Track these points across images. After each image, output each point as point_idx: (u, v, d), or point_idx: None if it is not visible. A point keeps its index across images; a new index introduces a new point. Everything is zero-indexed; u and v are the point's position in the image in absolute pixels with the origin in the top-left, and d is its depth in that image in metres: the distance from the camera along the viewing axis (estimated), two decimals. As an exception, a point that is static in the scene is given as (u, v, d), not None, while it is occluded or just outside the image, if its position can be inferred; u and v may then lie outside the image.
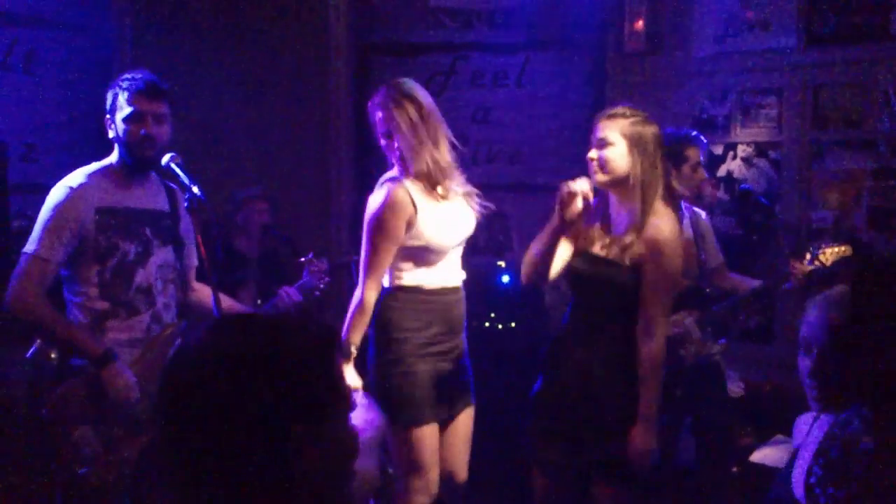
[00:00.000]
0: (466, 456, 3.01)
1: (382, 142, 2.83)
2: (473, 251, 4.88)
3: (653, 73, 4.89)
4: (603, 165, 2.66)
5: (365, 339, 2.85)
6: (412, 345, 2.77)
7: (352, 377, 2.75)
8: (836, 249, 3.60)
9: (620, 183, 2.66)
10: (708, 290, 3.75)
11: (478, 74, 5.30)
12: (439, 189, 2.83)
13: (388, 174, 2.88)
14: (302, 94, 5.26)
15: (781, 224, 4.26)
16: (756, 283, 3.81)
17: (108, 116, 2.76)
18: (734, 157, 4.75)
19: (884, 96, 4.31)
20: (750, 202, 3.81)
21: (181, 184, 2.68)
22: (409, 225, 2.75)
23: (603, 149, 2.66)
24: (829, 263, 3.62)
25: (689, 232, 3.71)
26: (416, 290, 2.82)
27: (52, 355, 2.80)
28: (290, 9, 5.10)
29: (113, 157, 2.81)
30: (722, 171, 4.79)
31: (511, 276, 4.52)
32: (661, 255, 2.59)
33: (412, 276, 2.82)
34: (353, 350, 2.76)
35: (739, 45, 4.69)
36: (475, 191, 2.95)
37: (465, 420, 2.98)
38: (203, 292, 2.98)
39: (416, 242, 2.77)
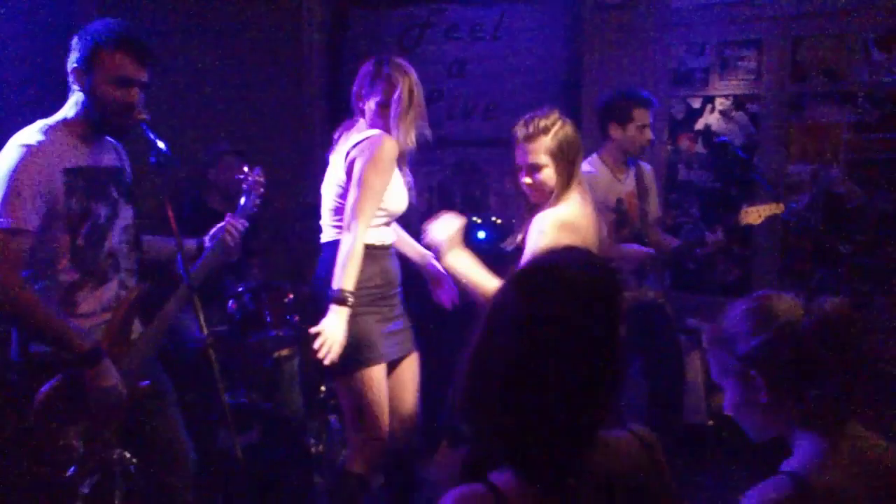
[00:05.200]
0: (415, 399, 3.09)
1: (371, 107, 2.86)
2: (450, 207, 4.85)
3: (630, 25, 4.82)
4: (540, 188, 2.82)
5: (318, 293, 2.86)
6: (360, 295, 2.77)
7: (340, 327, 2.68)
8: (763, 207, 3.63)
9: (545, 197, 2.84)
10: (646, 241, 3.84)
11: (454, 27, 5.20)
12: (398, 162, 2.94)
13: (370, 132, 2.84)
14: (276, 47, 5.16)
15: (759, 177, 4.24)
16: (676, 242, 3.99)
17: (75, 66, 2.45)
18: (712, 111, 4.71)
19: (864, 48, 4.27)
20: (727, 155, 3.80)
21: (147, 139, 2.48)
22: None
23: (535, 173, 2.80)
24: (757, 223, 3.67)
25: (631, 185, 3.87)
26: (378, 248, 2.89)
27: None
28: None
29: (69, 112, 2.51)
30: (700, 125, 4.75)
31: (487, 232, 4.48)
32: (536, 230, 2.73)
33: (380, 232, 2.90)
34: (351, 299, 2.69)
35: (718, -4, 4.63)
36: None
37: (409, 364, 3.06)
38: (152, 247, 2.84)
39: (386, 205, 2.86)
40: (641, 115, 3.73)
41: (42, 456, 2.48)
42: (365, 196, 2.74)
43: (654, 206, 4.00)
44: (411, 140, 2.87)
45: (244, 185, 2.96)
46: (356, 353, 2.78)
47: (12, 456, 2.81)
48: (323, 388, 4.02)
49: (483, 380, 1.35)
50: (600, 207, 3.60)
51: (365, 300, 2.82)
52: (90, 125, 2.51)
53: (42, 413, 2.44)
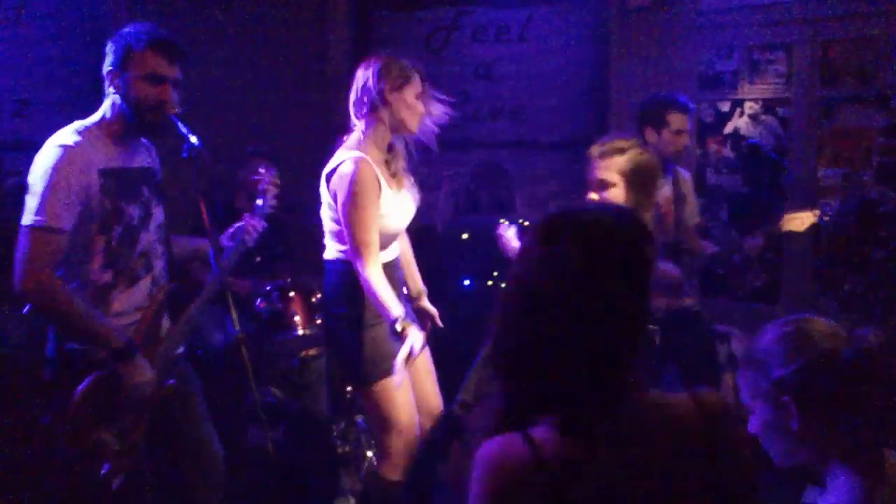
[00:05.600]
0: (436, 390, 3.10)
1: (365, 109, 2.82)
2: (476, 209, 4.84)
3: (658, 28, 4.79)
4: None
5: (328, 312, 2.91)
6: (370, 310, 2.79)
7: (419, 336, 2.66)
8: (806, 214, 3.58)
9: None
10: (684, 247, 3.79)
11: (481, 29, 5.19)
12: (392, 167, 2.91)
13: (349, 147, 2.82)
14: (302, 50, 5.18)
15: (791, 179, 4.20)
16: (713, 248, 3.92)
17: (110, 69, 2.50)
18: (741, 114, 4.67)
19: (895, 51, 4.22)
20: (759, 157, 3.75)
21: (179, 134, 2.50)
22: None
23: (603, 191, 2.75)
24: (801, 230, 3.62)
25: (668, 191, 3.81)
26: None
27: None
28: (289, -37, 4.99)
29: (105, 113, 2.55)
30: (728, 129, 4.72)
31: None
32: None
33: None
34: (405, 317, 2.66)
35: (747, -2, 4.59)
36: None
37: (423, 362, 3.04)
38: (178, 244, 2.84)
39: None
40: (677, 120, 3.69)
41: (76, 453, 2.49)
42: (357, 231, 2.70)
43: (692, 213, 3.95)
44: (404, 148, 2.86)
45: (260, 186, 2.99)
46: (374, 366, 2.80)
47: (47, 453, 2.82)
48: (349, 389, 4.02)
49: (512, 331, 1.34)
50: None
51: (374, 314, 2.80)
52: (125, 126, 2.54)
53: (79, 411, 2.45)
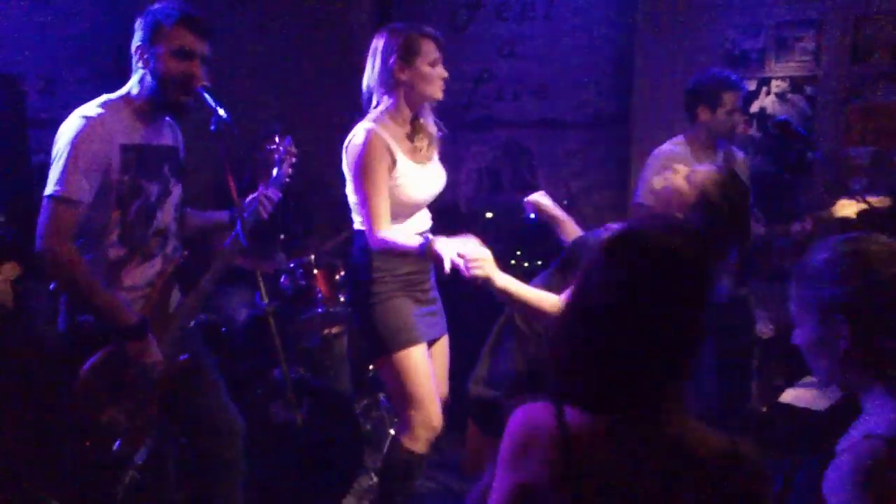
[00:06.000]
0: (446, 380, 3.12)
1: (382, 89, 2.84)
2: (498, 188, 4.84)
3: (683, 5, 4.72)
4: None
5: (354, 280, 2.91)
6: (389, 281, 2.83)
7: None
8: (854, 202, 3.52)
9: None
10: None
11: (504, 7, 5.14)
12: (416, 140, 2.90)
13: (366, 120, 2.83)
14: (324, 29, 5.15)
15: (820, 156, 4.13)
16: (761, 229, 3.84)
17: (139, 45, 2.50)
18: (768, 93, 4.61)
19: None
20: (788, 134, 3.70)
21: (207, 108, 2.49)
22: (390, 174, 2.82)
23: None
24: (853, 217, 3.56)
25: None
26: None
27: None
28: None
29: (132, 89, 2.55)
30: (754, 108, 4.65)
31: (536, 214, 4.44)
32: None
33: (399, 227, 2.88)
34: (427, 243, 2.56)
35: (775, -26, 4.52)
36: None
37: (441, 347, 3.09)
38: (196, 218, 2.85)
39: (395, 197, 2.83)
40: (731, 99, 3.62)
41: (86, 430, 2.51)
42: (368, 204, 2.73)
43: None
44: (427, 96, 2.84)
45: (275, 156, 2.93)
46: (395, 336, 2.83)
47: (60, 428, 2.85)
48: (371, 367, 4.03)
49: (576, 331, 1.43)
50: None
51: (397, 286, 2.85)
52: (152, 103, 2.55)
53: (85, 388, 2.47)
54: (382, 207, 2.74)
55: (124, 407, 2.50)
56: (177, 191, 2.69)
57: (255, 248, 2.72)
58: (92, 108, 2.47)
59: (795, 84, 4.54)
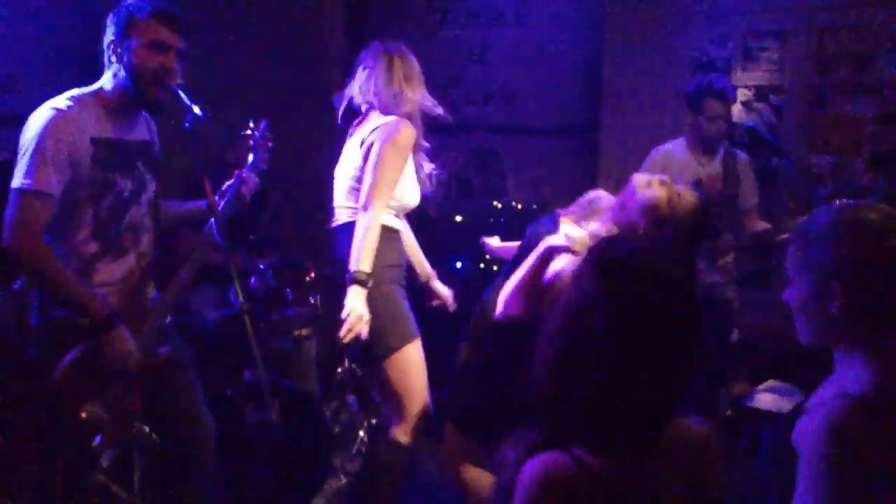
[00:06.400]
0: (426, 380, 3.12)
1: (390, 109, 2.92)
2: (469, 193, 4.85)
3: (653, 14, 4.77)
4: None
5: (337, 274, 2.88)
6: (385, 274, 2.85)
7: (362, 308, 2.69)
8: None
9: None
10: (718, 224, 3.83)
11: (475, 12, 5.17)
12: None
13: (388, 118, 2.89)
14: (297, 28, 5.14)
15: (789, 161, 4.21)
16: (764, 227, 3.91)
17: (112, 39, 2.47)
18: (734, 101, 4.68)
19: (890, 39, 4.24)
20: (757, 140, 3.80)
21: (182, 105, 2.47)
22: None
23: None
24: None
25: (716, 170, 3.89)
26: (391, 230, 2.92)
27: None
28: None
29: (105, 84, 2.53)
30: (721, 116, 4.71)
31: (503, 219, 4.47)
32: None
33: (392, 218, 2.94)
34: (370, 281, 2.70)
35: (742, -15, 4.60)
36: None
37: (418, 346, 3.04)
38: (167, 209, 2.81)
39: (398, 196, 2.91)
40: (713, 107, 3.78)
41: (65, 425, 2.48)
42: (382, 178, 2.78)
43: (749, 194, 3.98)
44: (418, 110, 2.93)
45: (251, 142, 2.91)
46: (395, 331, 2.85)
47: (33, 425, 2.80)
48: (339, 370, 4.01)
49: (567, 360, 1.38)
50: None
51: (391, 278, 2.88)
52: (125, 98, 2.53)
53: (64, 383, 2.44)
54: (387, 197, 2.81)
55: (104, 402, 2.47)
56: (151, 186, 2.66)
57: (231, 238, 2.68)
58: (62, 100, 2.46)
59: (761, 93, 4.62)
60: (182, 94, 2.48)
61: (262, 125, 2.93)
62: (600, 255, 1.42)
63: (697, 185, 3.80)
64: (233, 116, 4.43)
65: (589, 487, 1.32)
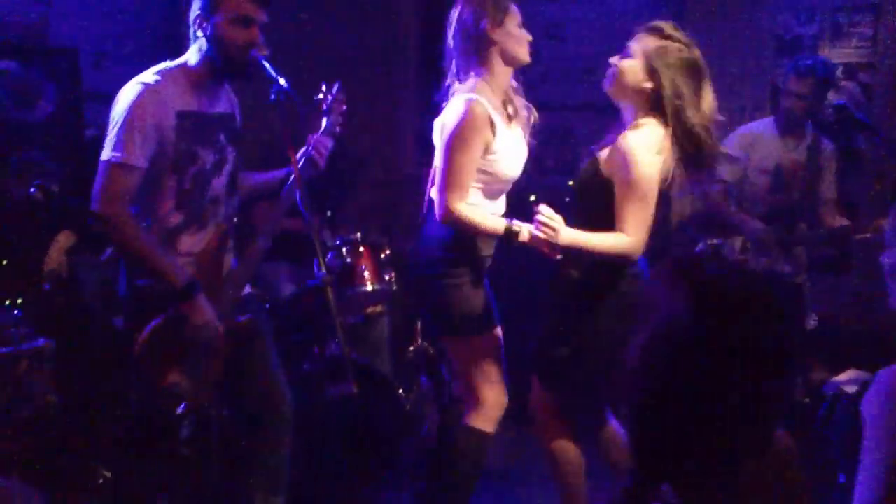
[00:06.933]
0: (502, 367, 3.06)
1: (473, 57, 2.73)
2: (542, 171, 4.80)
3: (735, -12, 4.65)
4: (614, 73, 2.70)
5: (420, 254, 2.86)
6: (477, 266, 2.81)
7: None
8: None
9: (625, 96, 2.70)
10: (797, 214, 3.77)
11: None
12: (510, 109, 2.81)
13: (463, 91, 2.73)
14: (371, 5, 5.13)
15: (880, 140, 4.03)
16: (841, 223, 3.86)
17: (198, 14, 2.52)
18: (826, 81, 4.50)
19: None
20: (846, 118, 3.66)
21: (267, 76, 2.51)
22: (486, 150, 2.72)
23: (622, 58, 2.70)
24: None
25: (801, 154, 3.82)
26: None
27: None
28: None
29: (190, 58, 2.59)
30: (806, 94, 4.55)
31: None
32: (622, 165, 2.57)
33: (480, 201, 2.82)
34: (510, 227, 2.64)
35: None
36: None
37: (497, 333, 3.00)
38: (244, 181, 2.85)
39: (489, 171, 2.76)
40: (794, 85, 3.73)
41: (149, 394, 2.56)
42: (451, 171, 2.65)
43: (830, 187, 3.89)
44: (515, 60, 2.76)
45: (324, 106, 2.88)
46: (476, 320, 2.81)
47: (120, 395, 2.90)
48: (411, 349, 4.02)
49: (659, 395, 1.29)
50: (755, 169, 3.74)
51: (481, 270, 2.83)
52: (211, 71, 2.59)
53: (147, 352, 2.51)
54: (466, 181, 2.66)
55: (186, 370, 2.54)
56: (232, 158, 2.72)
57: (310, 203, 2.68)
58: (149, 75, 2.53)
59: (850, 71, 4.45)
60: (268, 66, 2.52)
61: (336, 87, 2.90)
62: (691, 277, 1.32)
63: (777, 170, 3.71)
64: (306, 82, 4.49)
65: None
